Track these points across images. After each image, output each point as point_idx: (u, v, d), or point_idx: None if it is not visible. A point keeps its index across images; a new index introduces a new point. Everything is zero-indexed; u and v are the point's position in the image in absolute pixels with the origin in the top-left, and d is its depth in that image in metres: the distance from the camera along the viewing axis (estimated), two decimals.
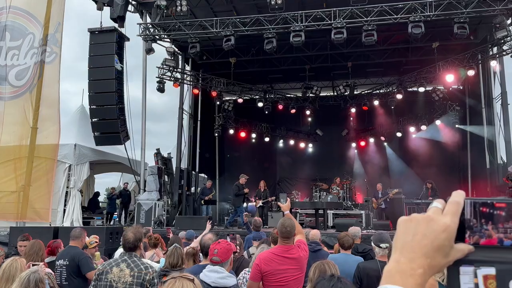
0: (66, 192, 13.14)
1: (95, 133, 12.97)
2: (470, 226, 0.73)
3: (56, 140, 12.43)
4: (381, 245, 4.05)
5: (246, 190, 13.14)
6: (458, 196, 0.74)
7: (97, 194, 17.01)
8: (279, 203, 4.61)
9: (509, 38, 12.21)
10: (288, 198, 5.01)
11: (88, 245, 5.82)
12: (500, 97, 13.89)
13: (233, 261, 5.17)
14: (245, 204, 13.81)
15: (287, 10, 12.26)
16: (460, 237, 0.73)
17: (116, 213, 16.72)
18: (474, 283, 0.71)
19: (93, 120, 13.02)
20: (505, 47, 12.73)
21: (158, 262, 5.72)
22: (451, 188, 0.76)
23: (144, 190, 13.50)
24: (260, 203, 14.00)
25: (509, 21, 11.71)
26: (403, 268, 0.70)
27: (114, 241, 9.67)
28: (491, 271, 0.71)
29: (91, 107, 13.03)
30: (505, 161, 13.45)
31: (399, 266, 0.70)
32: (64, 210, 12.90)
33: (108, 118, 12.89)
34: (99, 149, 13.78)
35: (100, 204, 18.15)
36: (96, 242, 6.17)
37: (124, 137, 13.01)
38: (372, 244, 4.40)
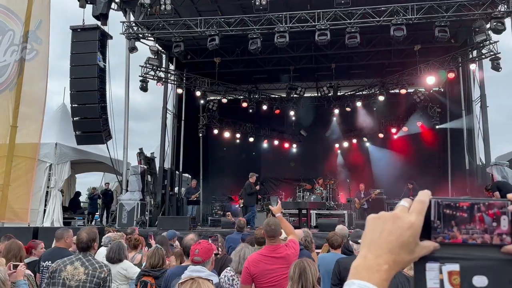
0: (47, 192, 12.91)
1: (77, 132, 12.78)
2: (434, 228, 0.75)
3: (37, 139, 12.21)
4: (358, 241, 4.16)
5: (257, 188, 13.08)
6: (423, 195, 0.76)
7: (78, 194, 16.75)
8: (270, 206, 4.67)
9: (488, 42, 12.49)
10: (279, 201, 5.07)
11: None
12: (480, 100, 14.18)
13: (216, 260, 5.20)
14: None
15: (271, 11, 12.30)
16: (426, 235, 0.75)
17: (98, 213, 16.52)
18: (440, 279, 0.73)
19: (74, 119, 12.82)
20: (484, 51, 13.00)
21: (138, 264, 5.68)
22: (432, 189, 0.79)
23: (127, 190, 13.36)
24: (241, 203, 14.00)
25: (488, 26, 11.96)
26: (370, 264, 0.72)
27: None
28: (456, 267, 0.73)
29: (73, 105, 12.83)
30: (484, 162, 13.74)
31: (366, 262, 0.73)
32: (45, 210, 12.67)
33: (90, 117, 12.71)
34: (81, 148, 13.57)
35: (82, 204, 17.90)
36: None
37: (106, 136, 12.85)
38: (350, 241, 4.52)
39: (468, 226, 0.75)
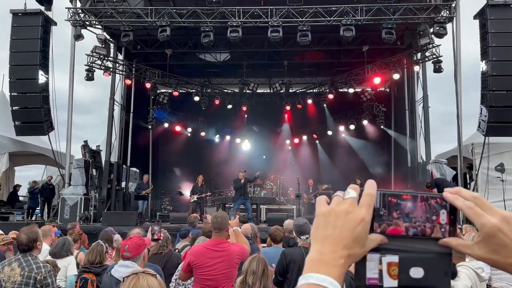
0: None
1: (16, 122, 12.15)
2: (379, 215, 0.77)
3: None
4: (301, 237, 4.33)
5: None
6: (371, 188, 0.78)
7: (17, 187, 15.82)
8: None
9: (431, 45, 13.13)
10: (237, 215, 5.12)
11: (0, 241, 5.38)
12: (422, 101, 14.88)
13: (161, 256, 5.06)
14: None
15: (225, 5, 12.22)
16: (371, 227, 0.77)
17: (38, 208, 15.70)
18: (379, 270, 0.75)
19: (13, 108, 12.17)
20: (427, 54, 13.66)
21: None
22: (377, 185, 0.80)
23: (69, 184, 12.78)
24: (194, 198, 13.87)
25: (431, 30, 12.56)
26: (327, 258, 0.73)
27: None
28: (395, 258, 0.75)
29: (12, 94, 12.16)
30: (424, 160, 14.45)
31: (322, 257, 0.74)
32: None
33: (30, 106, 12.09)
34: (20, 139, 12.87)
35: (22, 198, 16.92)
36: (12, 239, 5.69)
37: (48, 127, 12.25)
38: (294, 233, 4.70)
39: (411, 215, 0.77)
